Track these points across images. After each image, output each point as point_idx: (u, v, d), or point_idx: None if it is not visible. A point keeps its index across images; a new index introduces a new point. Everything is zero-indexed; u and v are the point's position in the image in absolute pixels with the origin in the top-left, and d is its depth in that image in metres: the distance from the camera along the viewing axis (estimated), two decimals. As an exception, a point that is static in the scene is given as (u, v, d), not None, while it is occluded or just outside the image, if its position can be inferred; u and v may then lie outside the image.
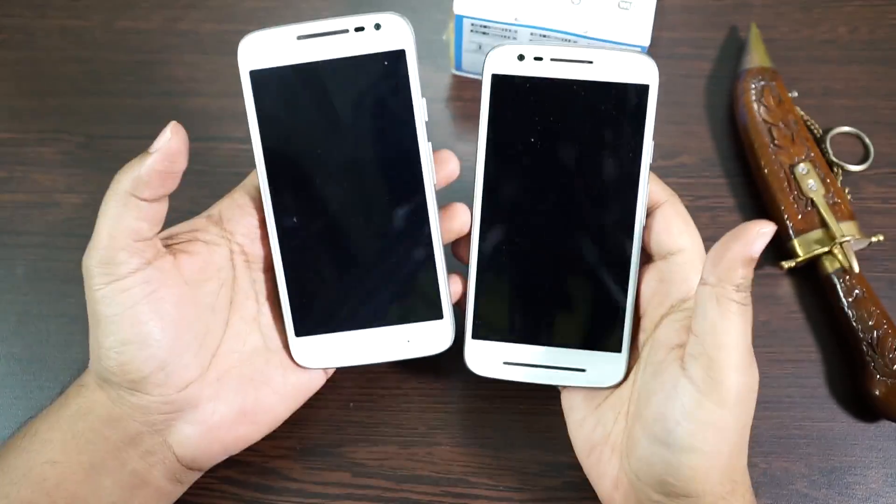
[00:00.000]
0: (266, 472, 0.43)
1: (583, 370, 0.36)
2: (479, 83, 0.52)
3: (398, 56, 0.34)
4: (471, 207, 0.37)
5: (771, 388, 0.44)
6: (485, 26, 0.47)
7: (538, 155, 0.36)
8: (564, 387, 0.38)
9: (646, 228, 0.36)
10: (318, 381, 0.39)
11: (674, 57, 0.52)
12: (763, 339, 0.45)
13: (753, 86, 0.49)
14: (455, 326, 0.37)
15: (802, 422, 0.44)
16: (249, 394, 0.37)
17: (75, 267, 0.48)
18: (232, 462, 0.43)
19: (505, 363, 0.37)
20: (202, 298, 0.36)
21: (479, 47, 0.49)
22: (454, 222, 0.37)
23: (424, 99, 0.36)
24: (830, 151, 0.49)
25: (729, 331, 0.31)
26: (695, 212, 0.48)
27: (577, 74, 0.35)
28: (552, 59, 0.35)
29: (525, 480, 0.42)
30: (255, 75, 0.35)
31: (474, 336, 0.38)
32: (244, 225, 0.38)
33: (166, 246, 0.35)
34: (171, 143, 0.33)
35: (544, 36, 0.46)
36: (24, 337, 0.46)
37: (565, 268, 0.37)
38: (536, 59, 0.35)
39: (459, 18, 0.47)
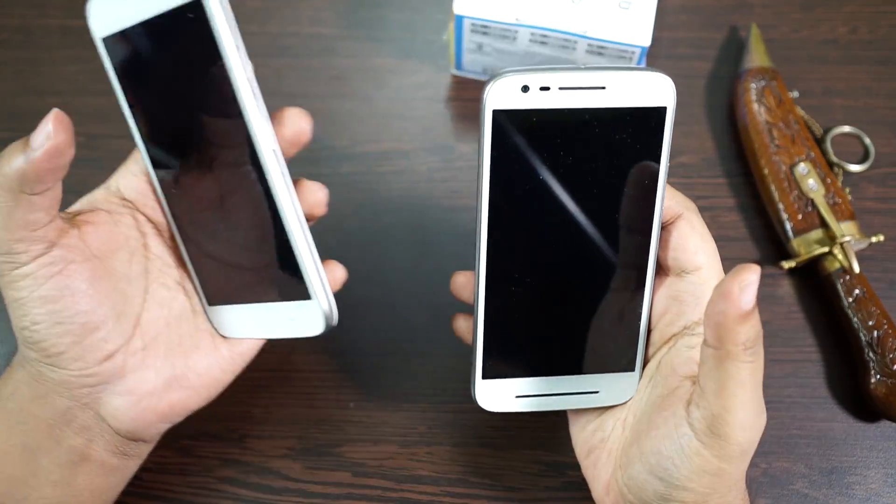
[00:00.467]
0: (266, 472, 0.43)
1: (596, 392, 0.36)
2: (480, 83, 0.52)
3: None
4: (475, 250, 0.34)
5: (771, 388, 0.44)
6: (485, 26, 0.47)
7: (546, 194, 0.33)
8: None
9: (661, 241, 0.35)
10: (252, 346, 0.38)
11: (674, 57, 0.52)
12: (763, 339, 0.45)
13: (753, 86, 0.49)
14: (328, 310, 0.35)
15: (802, 422, 0.44)
16: (179, 360, 0.36)
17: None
18: (232, 462, 0.43)
19: (517, 396, 0.36)
20: (114, 269, 0.35)
21: (479, 47, 0.49)
22: (308, 198, 0.36)
23: None
24: (830, 151, 0.49)
25: (736, 393, 0.30)
26: (695, 212, 0.48)
27: (590, 102, 0.31)
28: (560, 88, 0.31)
29: (525, 480, 0.42)
30: None
31: (485, 376, 0.36)
32: (145, 194, 0.37)
33: (69, 221, 0.35)
34: (55, 140, 0.31)
35: (545, 36, 0.46)
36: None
37: (573, 298, 0.35)
38: (543, 88, 0.31)
39: (459, 18, 0.47)
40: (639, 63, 0.47)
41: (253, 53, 0.53)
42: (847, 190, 0.47)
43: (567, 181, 0.33)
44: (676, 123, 0.51)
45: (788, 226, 0.46)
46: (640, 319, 0.35)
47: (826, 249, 0.45)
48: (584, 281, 0.35)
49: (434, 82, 0.52)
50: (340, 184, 0.49)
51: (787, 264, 0.46)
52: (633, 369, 0.35)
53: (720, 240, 0.47)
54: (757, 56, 0.50)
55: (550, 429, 0.43)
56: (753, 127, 0.48)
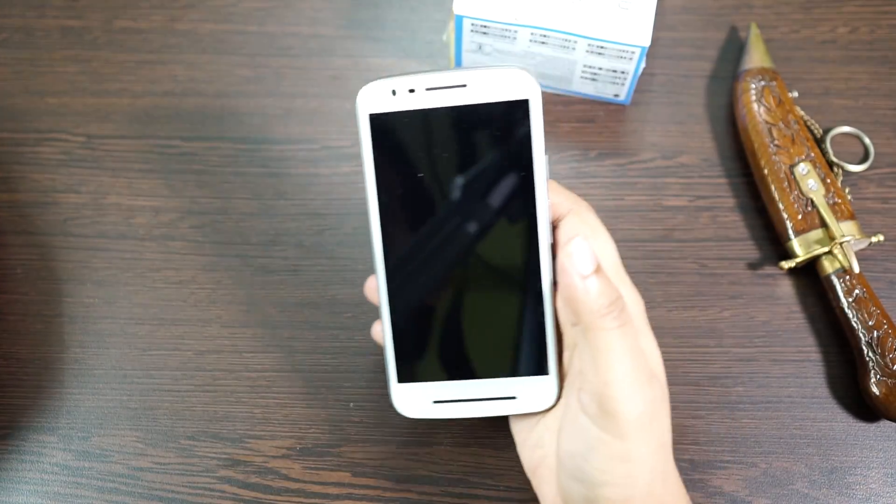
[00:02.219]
0: (266, 472, 0.43)
1: (514, 398, 0.35)
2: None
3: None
4: (370, 251, 0.35)
5: (771, 388, 0.44)
6: (485, 26, 0.47)
7: (430, 190, 0.34)
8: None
9: (554, 242, 0.35)
10: None
11: (674, 57, 0.52)
12: (763, 339, 0.45)
13: (753, 86, 0.49)
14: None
15: (802, 422, 0.44)
16: None
17: (74, 267, 0.49)
18: (232, 462, 0.43)
19: (435, 402, 0.36)
20: None
21: (479, 47, 0.49)
22: None
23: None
24: (830, 151, 0.49)
25: (611, 364, 0.29)
26: (695, 212, 0.48)
27: (454, 101, 0.33)
28: (427, 89, 0.33)
29: (525, 480, 0.42)
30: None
31: (400, 380, 0.36)
32: None
33: None
34: None
35: (545, 36, 0.46)
36: (24, 336, 0.46)
37: (477, 299, 0.35)
38: (410, 91, 0.33)
39: (459, 18, 0.47)
40: (638, 63, 0.47)
41: (252, 53, 0.53)
42: (847, 190, 0.47)
43: (448, 179, 0.34)
44: (677, 123, 0.51)
45: (788, 226, 0.46)
46: (544, 318, 0.35)
47: (826, 249, 0.45)
48: (481, 280, 0.35)
49: (434, 82, 0.52)
50: (340, 184, 0.49)
51: (786, 264, 0.46)
52: (547, 373, 0.35)
53: (720, 240, 0.48)
54: (757, 56, 0.50)
55: (550, 429, 0.43)
56: (753, 127, 0.48)
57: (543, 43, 0.47)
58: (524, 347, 0.35)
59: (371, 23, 0.54)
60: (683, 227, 0.48)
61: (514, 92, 0.33)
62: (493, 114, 0.33)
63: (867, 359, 0.43)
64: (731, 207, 0.49)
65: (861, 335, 0.44)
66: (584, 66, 0.48)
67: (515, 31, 0.47)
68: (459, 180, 0.34)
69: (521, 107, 0.33)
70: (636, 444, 0.30)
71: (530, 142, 0.33)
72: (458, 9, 0.46)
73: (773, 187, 0.47)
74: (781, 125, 0.48)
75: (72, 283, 0.47)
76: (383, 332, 0.36)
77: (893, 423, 0.43)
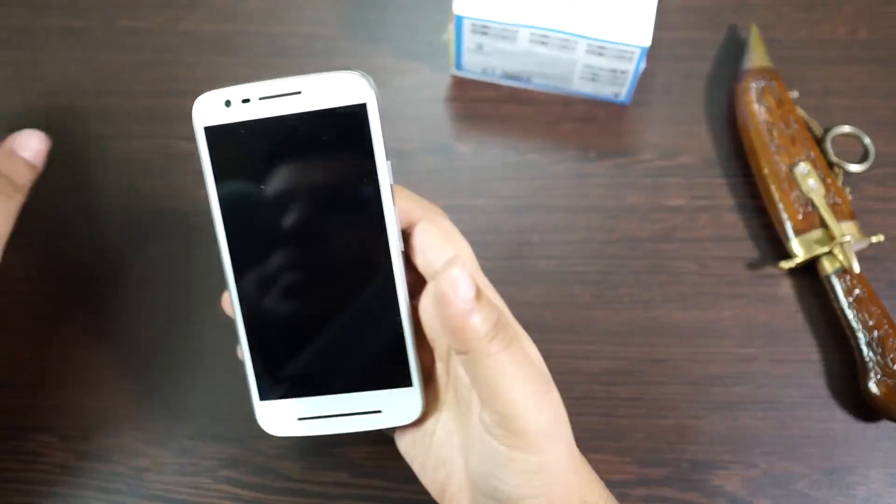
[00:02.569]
0: (266, 472, 0.43)
1: (379, 411, 0.35)
2: (480, 84, 0.52)
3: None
4: (221, 266, 0.34)
5: (771, 388, 0.44)
6: (485, 26, 0.47)
7: (274, 202, 0.33)
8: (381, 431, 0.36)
9: (410, 250, 0.34)
10: None
11: (674, 57, 0.52)
12: (763, 339, 0.45)
13: (753, 86, 0.49)
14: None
15: (803, 422, 0.44)
16: None
17: (75, 268, 0.49)
18: (232, 462, 0.43)
19: (300, 419, 0.35)
20: None
21: (479, 47, 0.49)
22: None
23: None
24: (830, 151, 0.49)
25: (508, 387, 0.28)
26: (695, 212, 0.48)
27: (289, 109, 0.32)
28: (261, 98, 0.32)
29: (525, 480, 0.42)
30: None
31: (262, 398, 0.36)
32: None
33: None
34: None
35: (545, 36, 0.46)
36: (24, 336, 0.46)
37: (332, 311, 0.34)
38: (244, 101, 0.32)
39: (459, 18, 0.47)
40: (638, 63, 0.47)
41: (253, 54, 0.53)
42: (847, 190, 0.47)
43: (291, 190, 0.33)
44: (676, 123, 0.51)
45: (788, 226, 0.46)
46: (401, 328, 0.34)
47: (826, 249, 0.45)
48: (335, 293, 0.34)
49: (434, 82, 0.52)
50: (340, 184, 0.49)
51: (786, 264, 0.46)
52: (411, 384, 0.34)
53: (720, 240, 0.48)
54: (757, 56, 0.50)
55: (550, 429, 0.43)
56: (753, 127, 0.48)
57: (543, 43, 0.47)
58: (384, 359, 0.34)
59: (371, 23, 0.54)
60: (683, 227, 0.48)
61: (350, 97, 0.32)
62: (330, 120, 0.32)
63: (867, 359, 0.43)
64: (731, 207, 0.49)
65: (861, 335, 0.44)
66: (584, 66, 0.48)
67: (515, 31, 0.47)
68: (303, 191, 0.33)
69: (359, 111, 0.32)
70: (548, 453, 0.30)
71: (371, 147, 0.32)
72: (458, 9, 0.46)
73: (773, 187, 0.47)
74: (781, 125, 0.48)
75: (72, 283, 0.47)
76: (241, 349, 0.35)
77: (894, 423, 0.43)
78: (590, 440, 0.43)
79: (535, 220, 0.48)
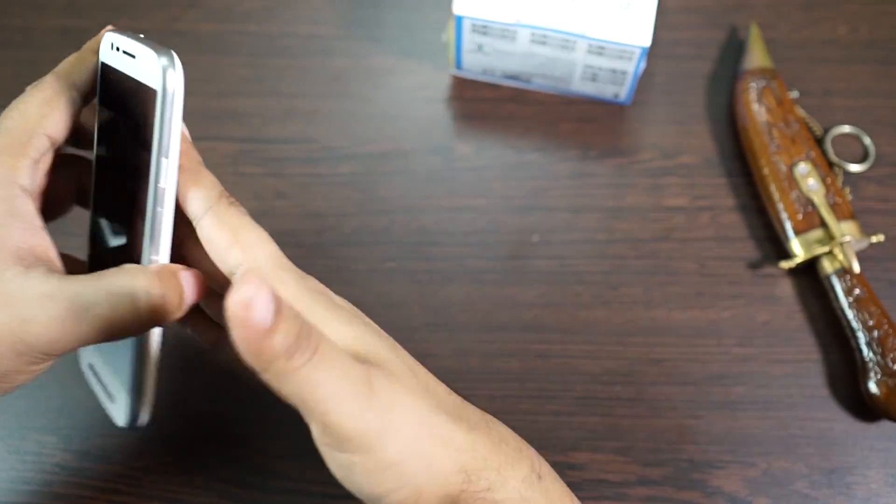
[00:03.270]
0: (266, 472, 0.43)
1: (115, 402, 0.35)
2: (479, 84, 0.52)
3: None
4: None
5: (771, 388, 0.44)
6: (485, 26, 0.47)
7: (100, 140, 0.36)
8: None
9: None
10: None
11: (674, 57, 0.52)
12: (763, 339, 0.45)
13: (753, 86, 0.49)
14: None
15: (803, 422, 0.44)
16: None
17: (75, 268, 0.48)
18: (232, 462, 0.43)
19: (88, 365, 0.38)
20: None
21: (479, 47, 0.49)
22: None
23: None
24: (831, 151, 0.49)
25: (320, 397, 0.26)
26: (695, 212, 0.48)
27: (124, 66, 0.33)
28: (116, 49, 0.33)
29: (525, 480, 0.42)
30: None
31: None
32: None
33: None
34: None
35: (545, 36, 0.46)
36: (24, 337, 0.46)
37: None
38: (116, 48, 0.33)
39: (459, 18, 0.47)
40: (638, 63, 0.47)
41: (252, 54, 0.53)
42: (847, 190, 0.47)
43: (106, 139, 0.35)
44: (676, 123, 0.51)
45: (788, 226, 0.46)
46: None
47: (826, 249, 0.45)
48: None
49: (434, 82, 0.52)
50: (340, 184, 0.49)
51: (786, 264, 0.46)
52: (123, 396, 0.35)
53: (720, 240, 0.48)
54: (757, 56, 0.50)
55: (550, 429, 0.43)
56: (753, 127, 0.48)
57: (543, 43, 0.47)
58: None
59: (371, 23, 0.54)
60: (683, 227, 0.48)
61: (152, 78, 0.31)
62: (138, 92, 0.32)
63: (867, 359, 0.43)
64: (731, 207, 0.49)
65: (861, 335, 0.44)
66: (584, 66, 0.48)
67: (515, 32, 0.47)
68: (110, 144, 0.35)
69: (153, 94, 0.31)
70: (387, 448, 0.28)
71: (150, 138, 0.31)
72: (458, 9, 0.46)
73: (773, 187, 0.47)
74: (781, 125, 0.48)
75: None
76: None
77: (893, 423, 0.43)
78: (590, 440, 0.43)
79: (535, 220, 0.48)
